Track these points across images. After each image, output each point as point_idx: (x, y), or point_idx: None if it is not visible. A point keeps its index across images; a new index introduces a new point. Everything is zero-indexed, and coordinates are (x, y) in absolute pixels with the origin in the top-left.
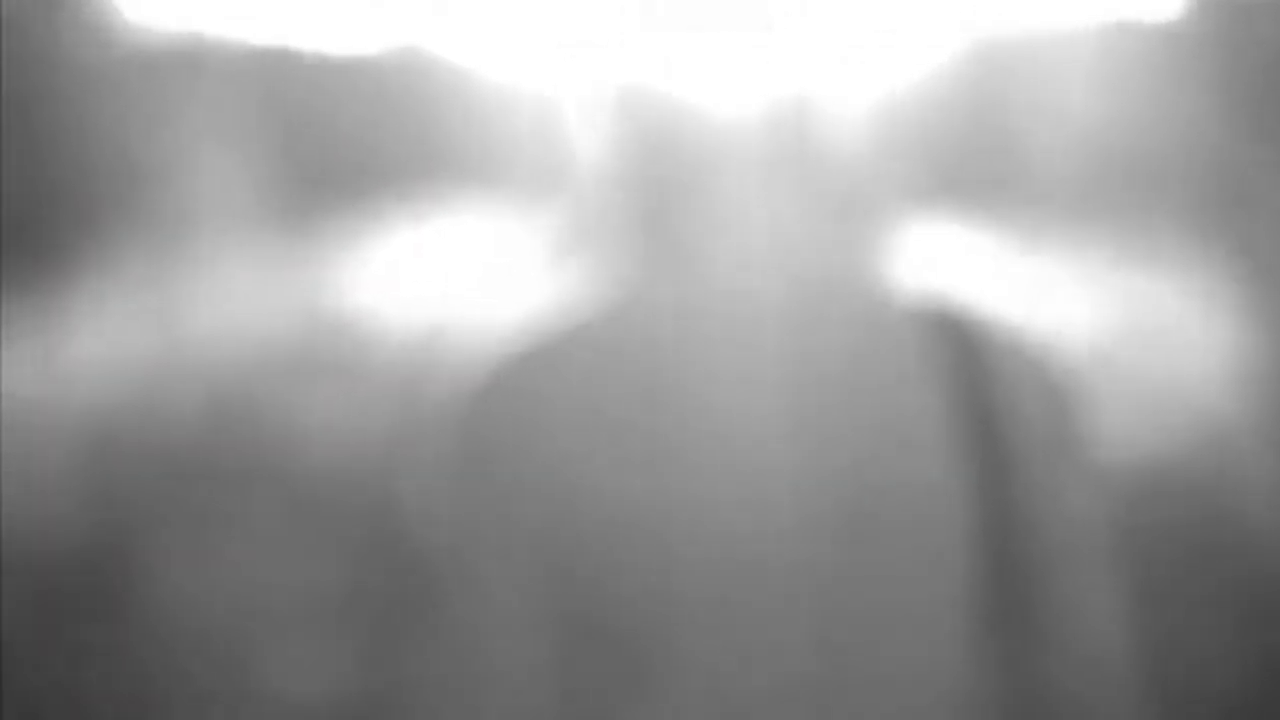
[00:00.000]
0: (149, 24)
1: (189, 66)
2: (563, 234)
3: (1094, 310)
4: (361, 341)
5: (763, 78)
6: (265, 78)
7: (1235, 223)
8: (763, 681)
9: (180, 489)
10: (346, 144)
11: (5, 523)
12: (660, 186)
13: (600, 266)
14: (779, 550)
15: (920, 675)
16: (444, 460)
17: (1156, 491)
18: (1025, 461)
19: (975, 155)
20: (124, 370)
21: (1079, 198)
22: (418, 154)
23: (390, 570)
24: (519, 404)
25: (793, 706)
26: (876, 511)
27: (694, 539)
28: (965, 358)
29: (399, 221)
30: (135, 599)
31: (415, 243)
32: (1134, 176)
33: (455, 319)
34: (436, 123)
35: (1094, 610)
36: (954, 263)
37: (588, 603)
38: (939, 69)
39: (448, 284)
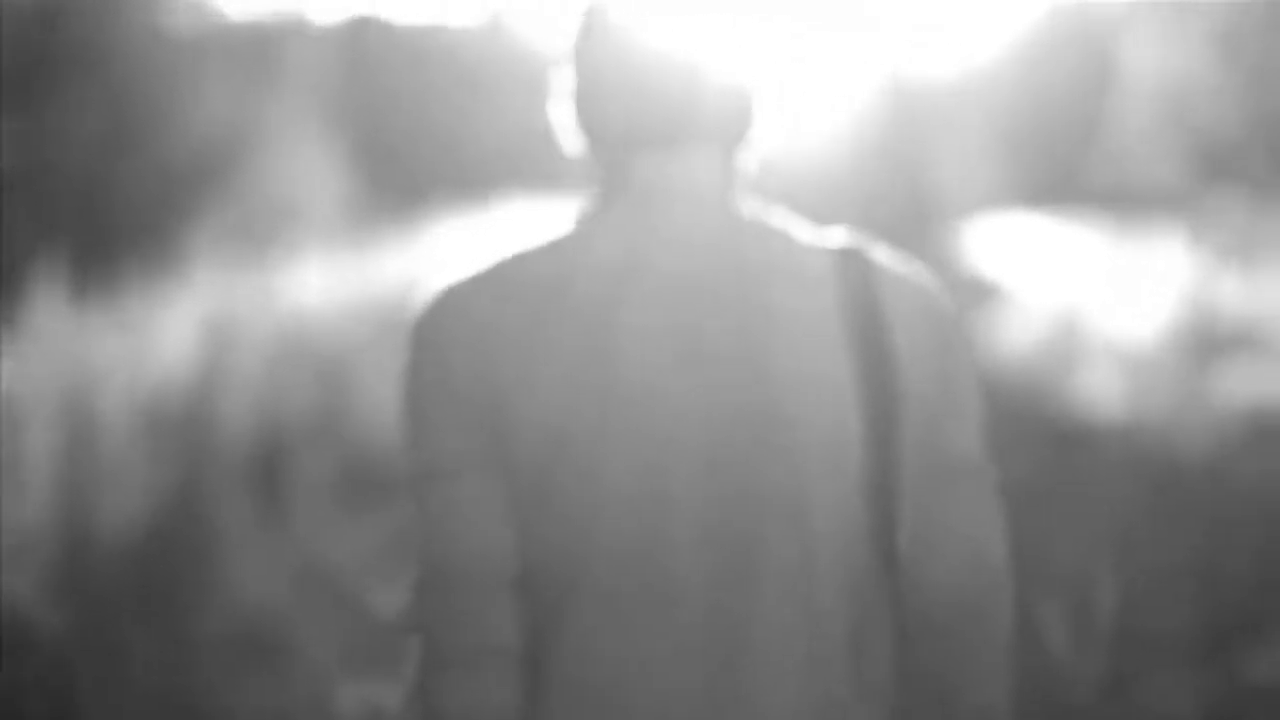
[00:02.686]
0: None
1: (278, 40)
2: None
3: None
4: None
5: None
6: (353, 49)
7: None
8: (681, 551)
9: (271, 460)
10: (432, 117)
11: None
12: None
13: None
14: (697, 441)
15: (810, 556)
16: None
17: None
18: (906, 368)
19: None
20: (217, 345)
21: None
22: (502, 129)
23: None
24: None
25: (707, 566)
26: (780, 407)
27: (626, 429)
28: (860, 283)
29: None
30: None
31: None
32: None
33: None
34: (523, 95)
35: (967, 524)
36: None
37: (539, 489)
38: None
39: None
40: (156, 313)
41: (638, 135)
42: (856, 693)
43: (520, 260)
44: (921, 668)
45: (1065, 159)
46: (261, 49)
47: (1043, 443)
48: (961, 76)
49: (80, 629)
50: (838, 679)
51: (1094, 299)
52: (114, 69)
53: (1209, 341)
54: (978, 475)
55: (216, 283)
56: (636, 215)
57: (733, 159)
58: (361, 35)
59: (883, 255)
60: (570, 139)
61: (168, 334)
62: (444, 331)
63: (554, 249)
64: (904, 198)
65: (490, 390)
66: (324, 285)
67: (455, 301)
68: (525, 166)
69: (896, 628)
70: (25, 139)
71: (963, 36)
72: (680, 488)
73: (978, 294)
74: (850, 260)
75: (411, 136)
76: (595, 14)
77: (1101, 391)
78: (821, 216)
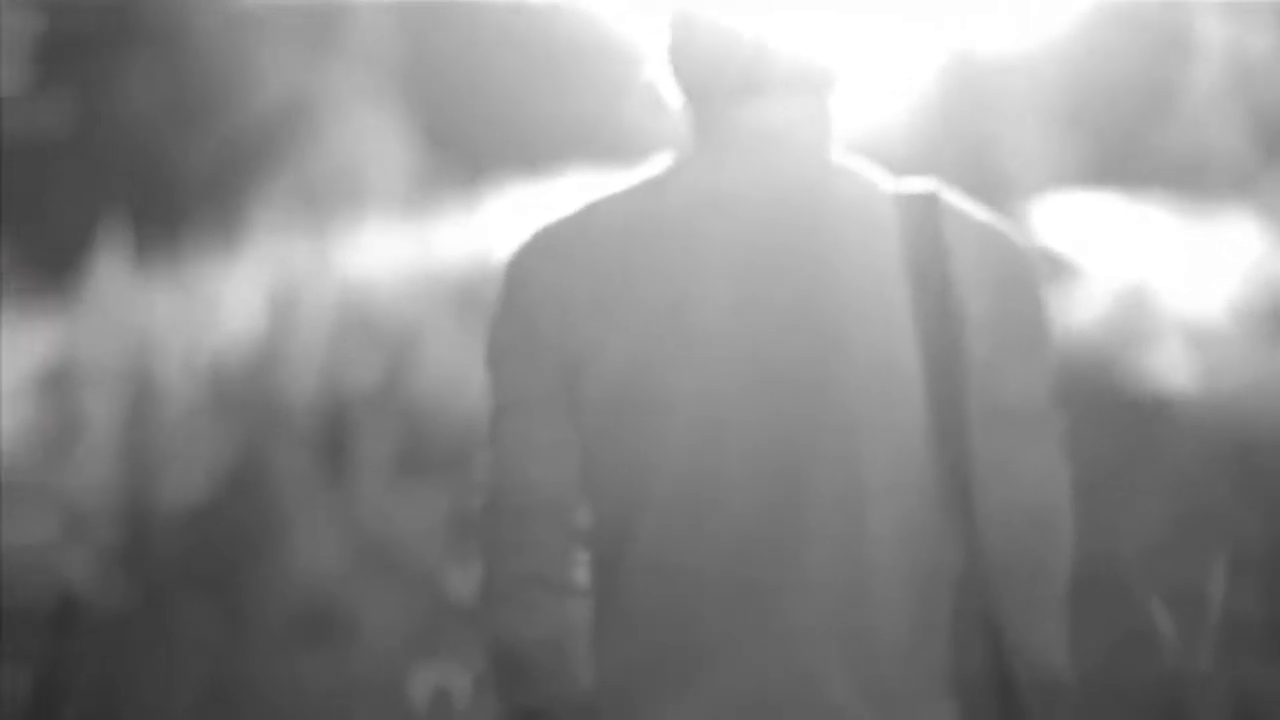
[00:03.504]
0: None
1: (341, 11)
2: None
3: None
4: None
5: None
6: (416, 21)
7: None
8: (738, 505)
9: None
10: (495, 89)
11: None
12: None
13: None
14: (755, 379)
15: (868, 508)
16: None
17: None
18: (967, 309)
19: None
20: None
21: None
22: (566, 101)
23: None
24: (551, 264)
25: (762, 533)
26: (837, 349)
27: (691, 377)
28: (928, 225)
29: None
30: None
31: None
32: None
33: None
34: (587, 67)
35: (1026, 467)
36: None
37: (603, 439)
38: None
39: None
40: (219, 283)
41: (729, 84)
42: (908, 627)
43: (607, 203)
44: (979, 607)
45: (1134, 136)
46: (325, 20)
47: (1113, 419)
48: (1028, 54)
49: (138, 604)
50: (884, 615)
51: (1163, 276)
52: (180, 38)
53: (1278, 317)
54: (1037, 419)
55: (279, 254)
56: (722, 157)
57: (823, 107)
58: (425, 7)
59: (957, 200)
60: (668, 94)
61: (230, 305)
62: (528, 273)
63: (640, 191)
64: (971, 176)
65: (568, 331)
66: (387, 257)
67: (542, 243)
68: (588, 139)
69: (961, 566)
70: (88, 108)
71: (1029, 13)
72: (736, 426)
73: (1047, 271)
74: (921, 202)
75: (475, 108)
76: None
77: (1171, 368)
78: None
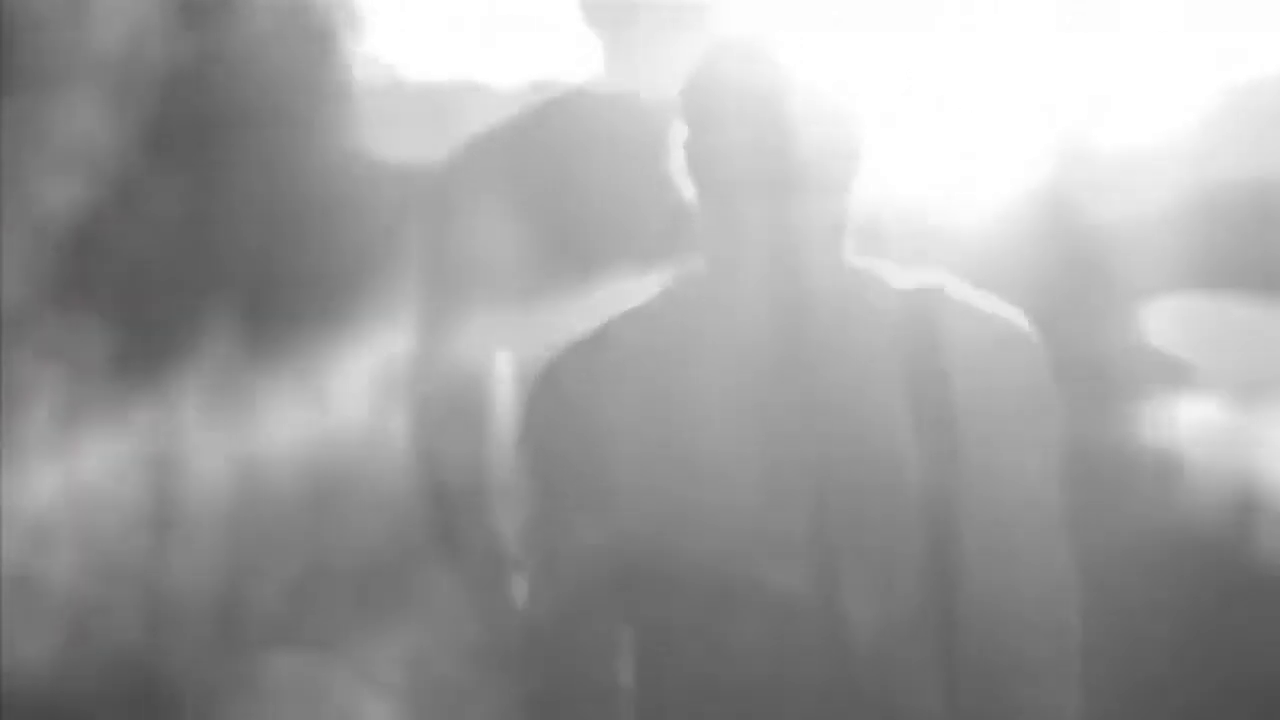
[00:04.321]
0: (405, 63)
1: (455, 101)
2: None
3: None
4: None
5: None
6: (532, 112)
7: None
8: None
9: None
10: (612, 181)
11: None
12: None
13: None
14: (764, 498)
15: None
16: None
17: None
18: (974, 431)
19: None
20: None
21: None
22: (678, 199)
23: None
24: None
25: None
26: (840, 462)
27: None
28: (929, 327)
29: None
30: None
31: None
32: None
33: None
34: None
35: (1017, 548)
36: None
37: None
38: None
39: None
40: (327, 374)
41: (744, 183)
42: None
43: (625, 318)
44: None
45: (1255, 236)
46: (439, 110)
47: (1232, 529)
48: (1148, 146)
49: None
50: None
51: None
52: (290, 123)
53: None
54: (1029, 500)
55: (389, 344)
56: (735, 262)
57: (841, 206)
58: (543, 94)
59: (964, 292)
60: (683, 187)
61: (338, 395)
62: (540, 398)
63: (656, 303)
64: (1083, 274)
65: (586, 444)
66: (500, 350)
67: (553, 370)
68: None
69: (953, 654)
70: (194, 194)
71: (1148, 105)
72: (747, 528)
73: (1163, 374)
74: (925, 296)
75: (590, 201)
76: (705, 62)
77: None
78: (995, 286)
